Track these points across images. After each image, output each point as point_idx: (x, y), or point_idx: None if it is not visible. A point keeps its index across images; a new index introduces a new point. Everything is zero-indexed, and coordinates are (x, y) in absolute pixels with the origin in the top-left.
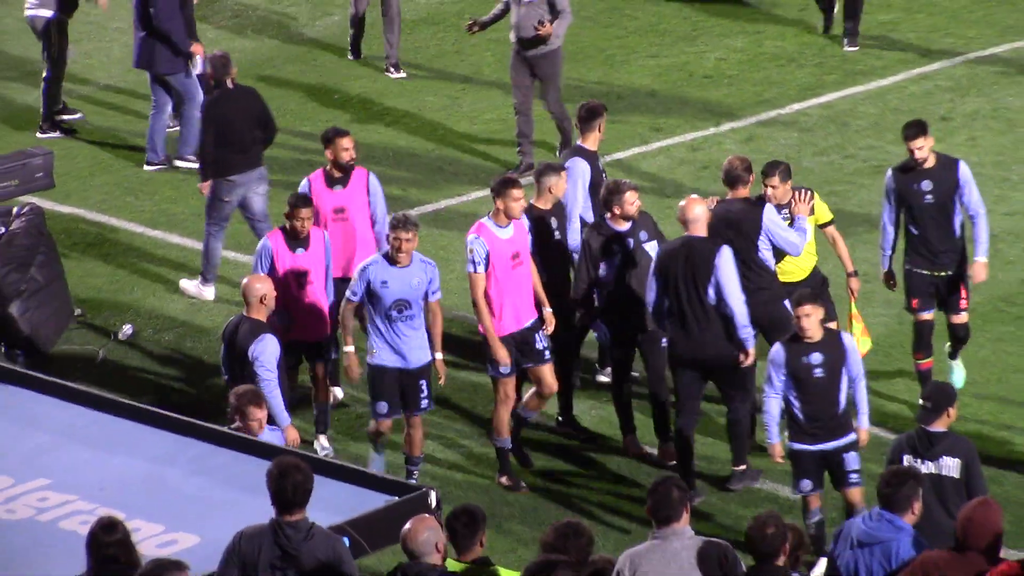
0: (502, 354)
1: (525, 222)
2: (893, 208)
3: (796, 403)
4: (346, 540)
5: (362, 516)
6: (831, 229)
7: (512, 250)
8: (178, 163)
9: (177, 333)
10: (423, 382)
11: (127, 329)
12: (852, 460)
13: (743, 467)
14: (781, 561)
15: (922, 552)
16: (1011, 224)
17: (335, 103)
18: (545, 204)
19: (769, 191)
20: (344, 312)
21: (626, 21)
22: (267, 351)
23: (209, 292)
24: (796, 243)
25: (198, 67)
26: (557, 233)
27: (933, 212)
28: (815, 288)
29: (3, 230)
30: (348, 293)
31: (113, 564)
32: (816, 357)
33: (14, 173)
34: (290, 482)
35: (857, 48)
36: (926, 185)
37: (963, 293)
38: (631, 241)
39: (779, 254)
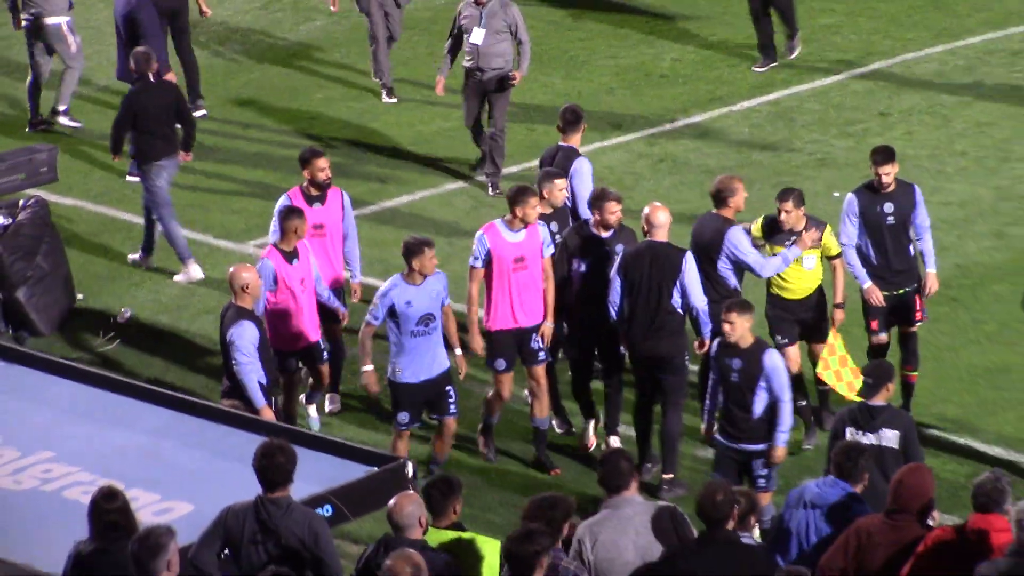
0: (477, 341)
1: (541, 231)
2: (856, 228)
3: (719, 399)
4: (329, 508)
5: (344, 485)
6: (836, 261)
7: (517, 254)
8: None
9: (172, 316)
10: (449, 388)
11: (125, 312)
12: (758, 466)
13: (672, 476)
14: (731, 525)
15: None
16: (946, 213)
17: (317, 103)
18: (544, 208)
19: (783, 215)
20: (364, 335)
21: (588, 25)
22: (244, 336)
23: (196, 271)
24: (758, 265)
25: None
26: (558, 237)
27: (894, 233)
28: (813, 310)
29: (11, 221)
30: (368, 317)
31: (113, 530)
32: (736, 363)
33: (21, 167)
34: (273, 463)
35: (798, 52)
36: (888, 207)
37: (918, 305)
38: (608, 250)
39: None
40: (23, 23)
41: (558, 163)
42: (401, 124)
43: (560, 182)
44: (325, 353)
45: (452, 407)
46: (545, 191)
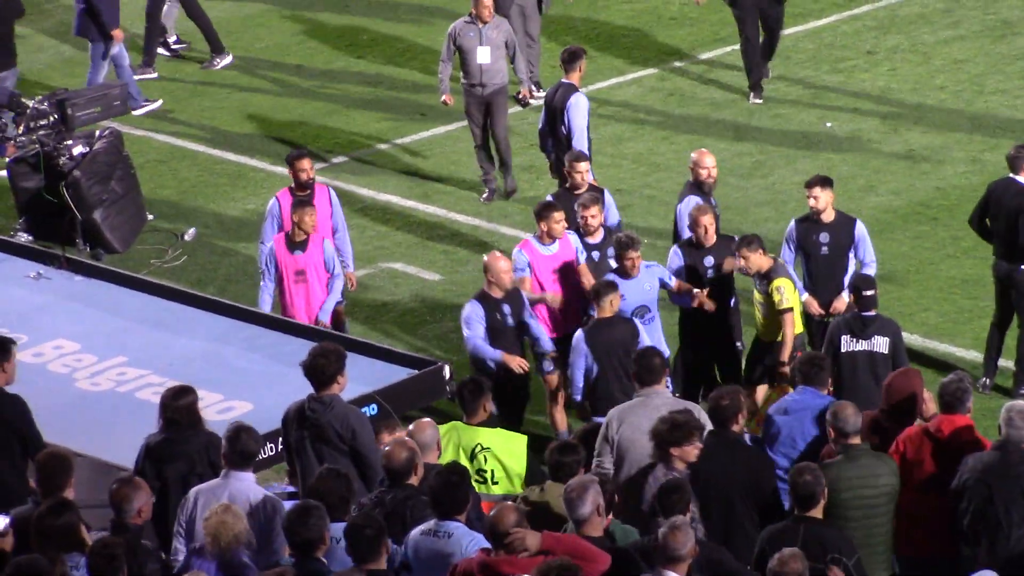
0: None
1: (573, 241)
2: (792, 253)
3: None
4: (375, 407)
5: (388, 387)
6: (786, 316)
7: (554, 265)
8: None
9: (231, 236)
10: None
11: (191, 231)
12: None
13: None
14: (737, 428)
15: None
16: (927, 140)
17: (362, 44)
18: (577, 192)
19: (740, 261)
20: None
21: None
22: (464, 314)
23: None
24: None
25: (114, 49)
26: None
27: (827, 263)
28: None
29: (88, 149)
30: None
31: (178, 424)
32: None
33: (97, 101)
34: (316, 365)
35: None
36: (823, 237)
37: None
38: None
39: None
40: None
41: (558, 99)
42: (402, 55)
43: (583, 165)
44: None
45: None
46: (575, 170)
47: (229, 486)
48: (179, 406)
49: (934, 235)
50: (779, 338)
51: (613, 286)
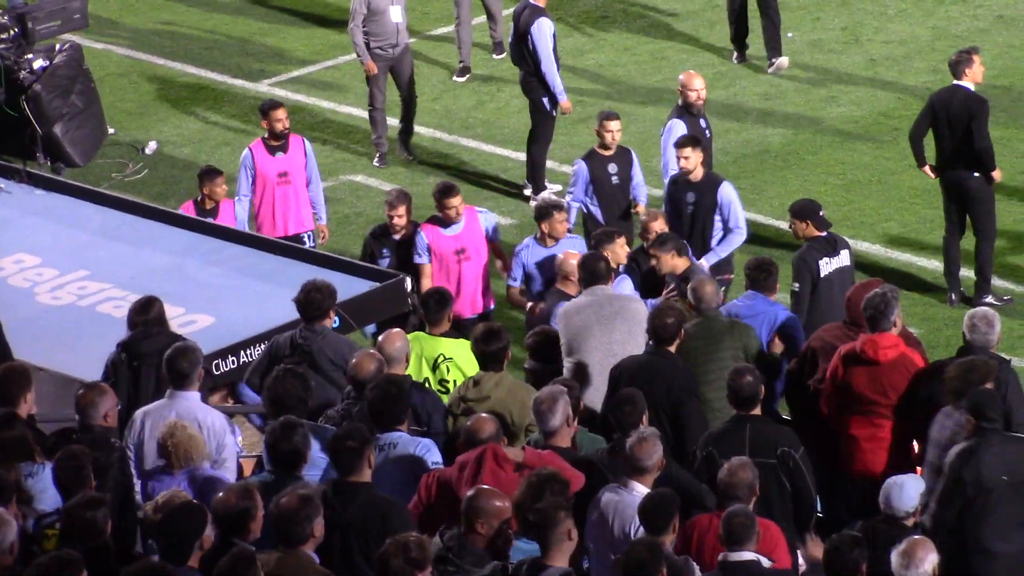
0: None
1: (482, 222)
2: (668, 211)
3: None
4: (337, 320)
5: (350, 299)
6: None
7: (456, 246)
8: None
9: (193, 148)
10: None
11: (152, 145)
12: None
13: None
14: (672, 348)
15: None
16: (888, 50)
17: None
18: (605, 151)
19: (653, 262)
20: (510, 297)
21: None
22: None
23: None
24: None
25: None
26: (615, 179)
27: (692, 223)
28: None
29: (48, 63)
30: (508, 280)
31: (148, 332)
32: None
33: (56, 15)
34: (313, 300)
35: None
36: (690, 197)
37: None
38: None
39: None
40: None
41: (523, 20)
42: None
43: (614, 124)
44: None
45: None
46: (602, 128)
47: (175, 406)
48: (150, 319)
49: (896, 145)
50: None
51: (613, 235)
